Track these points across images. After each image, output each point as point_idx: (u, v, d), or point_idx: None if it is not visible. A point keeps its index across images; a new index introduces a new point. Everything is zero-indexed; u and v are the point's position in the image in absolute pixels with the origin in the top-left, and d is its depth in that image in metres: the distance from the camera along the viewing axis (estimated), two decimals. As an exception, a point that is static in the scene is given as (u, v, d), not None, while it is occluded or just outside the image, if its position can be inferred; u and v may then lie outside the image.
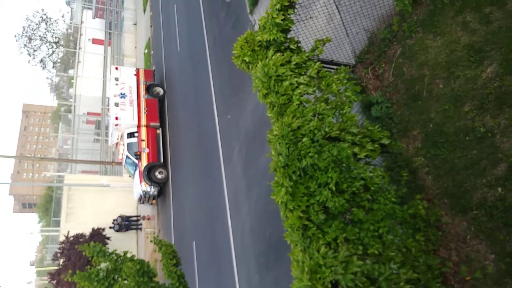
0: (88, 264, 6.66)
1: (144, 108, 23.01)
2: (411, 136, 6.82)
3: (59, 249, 23.77)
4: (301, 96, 5.91)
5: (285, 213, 5.26)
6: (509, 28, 5.96)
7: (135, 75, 24.20)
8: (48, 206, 55.59)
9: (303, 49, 6.55)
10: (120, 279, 6.46)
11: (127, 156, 22.27)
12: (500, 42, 6.00)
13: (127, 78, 23.77)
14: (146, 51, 32.02)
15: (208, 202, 15.97)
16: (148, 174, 21.59)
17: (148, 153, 21.89)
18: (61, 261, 23.07)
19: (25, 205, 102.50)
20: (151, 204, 23.70)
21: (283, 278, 10.48)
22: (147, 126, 22.62)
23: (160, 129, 22.91)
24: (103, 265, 6.70)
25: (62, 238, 24.65)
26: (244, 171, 13.30)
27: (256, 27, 8.19)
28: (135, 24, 39.01)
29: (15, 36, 50.91)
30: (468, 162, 6.04)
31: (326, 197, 4.99)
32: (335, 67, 7.27)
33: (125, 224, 25.92)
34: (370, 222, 5.28)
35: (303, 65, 6.35)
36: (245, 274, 12.34)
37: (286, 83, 5.90)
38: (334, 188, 4.97)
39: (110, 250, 6.78)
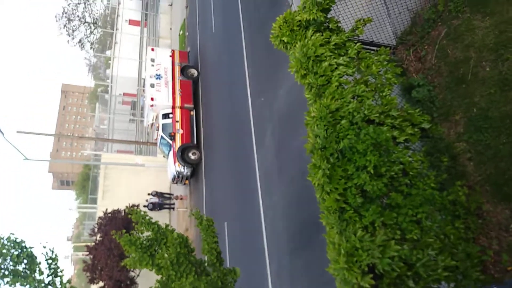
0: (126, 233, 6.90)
1: (179, 90, 23.28)
2: (453, 120, 6.59)
3: (97, 224, 24.69)
4: (340, 77, 5.81)
5: (321, 195, 5.24)
6: None
7: (170, 56, 24.46)
8: (85, 184, 57.65)
9: (343, 29, 6.40)
10: (160, 250, 6.68)
11: (161, 137, 22.72)
12: (556, 22, 5.65)
13: (162, 60, 24.06)
14: (181, 32, 32.21)
15: (240, 184, 16.14)
16: (182, 155, 21.97)
17: (182, 134, 22.24)
18: (98, 236, 23.97)
19: (63, 182, 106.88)
20: (184, 184, 24.18)
21: (314, 261, 10.53)
22: (181, 108, 22.92)
23: (194, 110, 23.17)
24: (145, 235, 6.92)
25: (99, 215, 25.59)
26: (276, 154, 13.32)
27: (294, 8, 8.06)
28: (171, 5, 39.19)
29: (55, 16, 52.39)
30: (514, 148, 5.79)
31: (364, 180, 4.93)
32: (375, 48, 7.08)
33: (159, 203, 26.58)
34: (408, 207, 5.19)
35: (343, 45, 6.22)
36: (276, 256, 12.47)
37: (325, 63, 5.80)
38: (372, 172, 4.90)
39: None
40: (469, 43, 6.62)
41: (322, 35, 6.05)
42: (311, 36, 6.00)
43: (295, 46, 6.28)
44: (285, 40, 6.51)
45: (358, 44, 6.28)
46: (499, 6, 6.31)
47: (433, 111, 6.83)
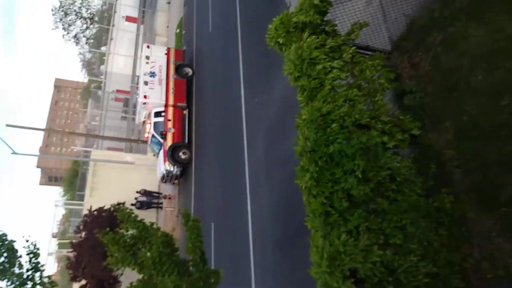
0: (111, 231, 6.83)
1: (173, 88, 23.18)
2: (443, 128, 6.61)
3: (82, 222, 24.34)
4: (334, 80, 5.80)
5: (308, 198, 5.21)
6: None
7: (165, 54, 24.34)
8: (74, 180, 56.96)
9: (339, 33, 6.40)
10: (144, 249, 6.60)
11: (153, 135, 22.58)
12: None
13: (157, 57, 23.93)
14: (178, 30, 32.10)
15: (229, 185, 16.06)
16: (172, 154, 21.83)
17: (173, 133, 22.12)
18: (83, 233, 23.58)
19: (51, 178, 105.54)
20: (173, 183, 24.03)
21: (298, 265, 10.43)
22: (174, 106, 22.81)
23: (187, 110, 23.07)
24: (129, 232, 6.85)
25: (85, 212, 25.25)
26: (266, 156, 13.28)
27: (292, 9, 8.05)
28: (169, 3, 39.01)
29: (52, 10, 52.08)
30: (501, 157, 5.81)
31: (351, 185, 4.91)
32: (370, 52, 7.09)
33: (147, 202, 26.35)
34: (393, 213, 5.19)
35: (338, 49, 6.22)
36: (260, 258, 12.40)
37: (319, 66, 5.79)
38: (360, 176, 4.88)
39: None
40: (463, 51, 6.63)
41: (318, 38, 6.03)
42: (307, 38, 5.98)
43: (290, 47, 6.26)
44: (281, 42, 6.49)
45: (353, 48, 6.28)
46: (494, 14, 6.34)
47: (424, 118, 6.84)
